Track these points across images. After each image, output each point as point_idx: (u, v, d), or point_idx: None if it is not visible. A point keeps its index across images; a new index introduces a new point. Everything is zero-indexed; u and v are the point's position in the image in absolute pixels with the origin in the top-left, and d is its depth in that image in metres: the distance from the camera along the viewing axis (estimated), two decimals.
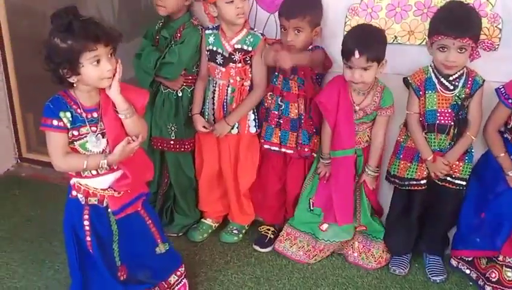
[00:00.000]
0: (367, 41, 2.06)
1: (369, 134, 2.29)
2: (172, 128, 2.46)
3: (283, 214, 2.54)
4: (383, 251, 2.36)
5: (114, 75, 1.68)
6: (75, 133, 1.70)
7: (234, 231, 2.56)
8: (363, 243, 2.39)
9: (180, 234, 2.58)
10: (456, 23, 1.99)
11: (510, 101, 2.06)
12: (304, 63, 2.20)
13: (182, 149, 2.50)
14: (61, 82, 1.67)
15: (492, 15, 2.17)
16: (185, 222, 2.60)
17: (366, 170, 2.30)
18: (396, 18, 2.28)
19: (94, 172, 1.76)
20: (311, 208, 2.39)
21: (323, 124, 2.30)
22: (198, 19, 2.45)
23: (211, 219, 2.61)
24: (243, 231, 2.58)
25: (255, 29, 2.35)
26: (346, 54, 2.08)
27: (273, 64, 2.20)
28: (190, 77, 2.44)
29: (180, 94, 2.44)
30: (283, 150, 2.34)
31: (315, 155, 2.37)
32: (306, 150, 2.31)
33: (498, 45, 2.19)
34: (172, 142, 2.48)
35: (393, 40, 2.29)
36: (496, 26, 2.17)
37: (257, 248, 2.48)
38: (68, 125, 1.69)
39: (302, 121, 2.30)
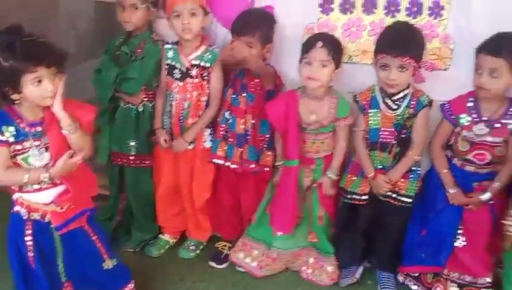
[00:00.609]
0: (330, 37, 2.20)
1: (329, 143, 2.31)
2: (133, 143, 2.46)
3: (240, 230, 2.54)
4: (335, 267, 2.37)
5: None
6: (18, 147, 1.71)
7: (191, 247, 2.55)
8: (318, 258, 2.39)
9: (138, 249, 2.56)
10: (397, 42, 2.06)
11: (453, 117, 2.09)
12: (254, 64, 2.21)
13: (143, 165, 2.50)
14: (4, 98, 1.69)
15: (444, 35, 2.22)
16: (143, 237, 2.59)
17: (327, 172, 2.31)
18: (351, 38, 2.32)
19: (36, 186, 1.76)
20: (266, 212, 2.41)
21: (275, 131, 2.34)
22: (158, 35, 2.48)
23: (168, 235, 2.60)
24: (200, 247, 2.57)
25: (214, 46, 2.38)
26: (308, 46, 2.16)
27: (228, 57, 2.22)
28: (151, 92, 2.45)
29: (141, 109, 2.45)
30: (227, 164, 2.36)
31: (267, 170, 2.38)
32: (252, 166, 2.33)
33: (449, 65, 2.24)
34: (132, 157, 2.48)
35: (348, 59, 2.33)
36: (447, 47, 2.22)
37: (213, 264, 2.47)
38: (11, 139, 1.69)
39: (249, 137, 2.32)
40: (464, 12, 2.17)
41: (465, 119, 2.07)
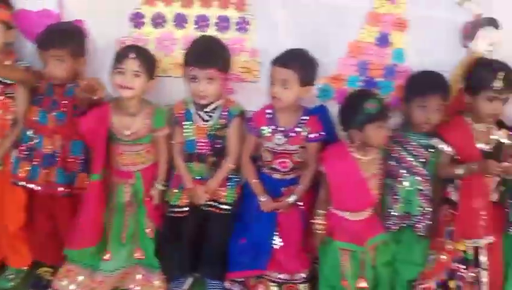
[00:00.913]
0: (143, 49, 2.22)
1: (146, 155, 2.30)
2: None
3: (62, 255, 2.42)
4: (163, 281, 2.36)
5: None
6: None
7: (10, 276, 2.38)
8: (145, 275, 2.36)
9: None
10: (203, 55, 2.14)
11: (256, 130, 2.22)
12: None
13: None
14: None
15: (252, 50, 2.32)
16: None
17: (154, 184, 2.31)
18: (165, 51, 2.34)
19: None
20: None
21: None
22: None
23: None
24: (20, 275, 2.41)
25: (20, 62, 2.26)
26: (120, 56, 2.16)
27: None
28: None
29: None
30: (30, 186, 2.26)
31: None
32: (60, 189, 2.26)
33: (259, 77, 2.35)
34: None
35: (164, 73, 2.34)
36: (255, 61, 2.33)
37: None
38: None
39: (58, 159, 2.25)
40: (271, 28, 2.30)
41: (266, 130, 2.20)
